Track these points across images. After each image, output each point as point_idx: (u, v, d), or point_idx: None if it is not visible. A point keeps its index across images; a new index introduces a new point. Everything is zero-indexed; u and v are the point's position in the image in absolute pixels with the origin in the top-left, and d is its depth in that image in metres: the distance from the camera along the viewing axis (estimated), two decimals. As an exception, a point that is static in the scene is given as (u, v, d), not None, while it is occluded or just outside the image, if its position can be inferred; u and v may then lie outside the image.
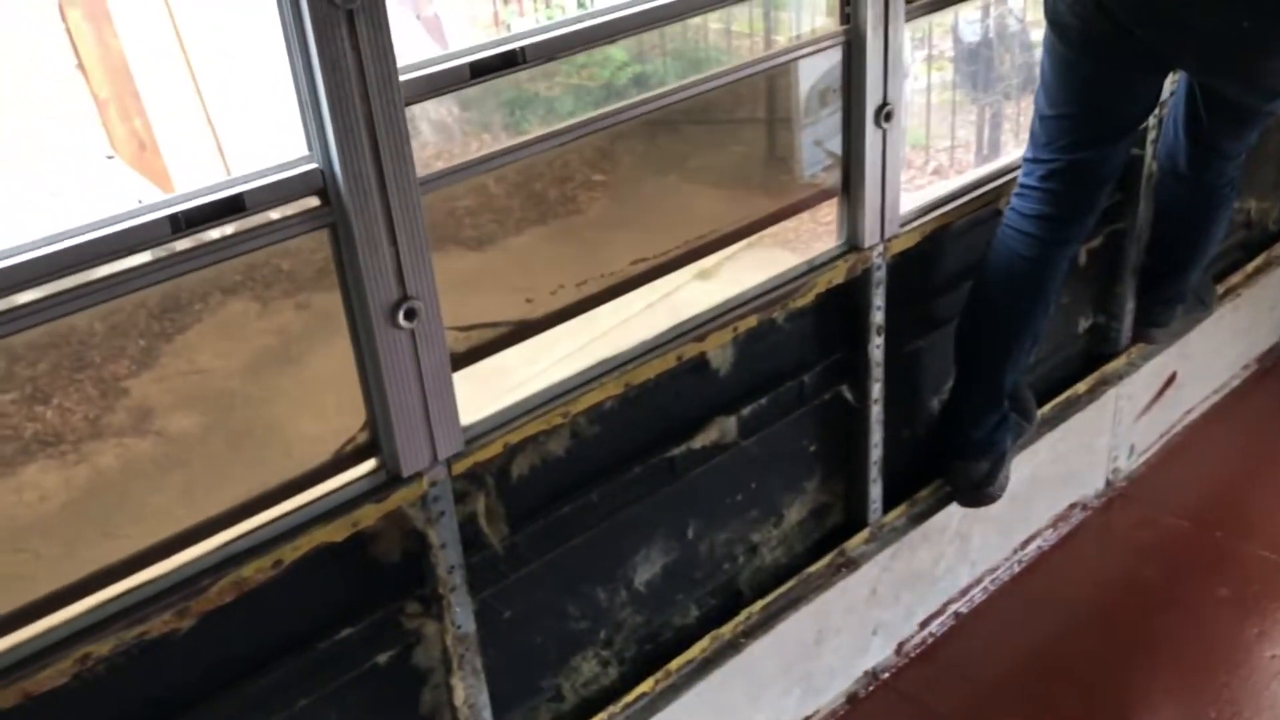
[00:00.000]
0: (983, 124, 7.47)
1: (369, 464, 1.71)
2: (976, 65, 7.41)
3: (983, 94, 7.44)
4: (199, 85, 7.59)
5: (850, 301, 2.32)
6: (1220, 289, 3.22)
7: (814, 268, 2.23)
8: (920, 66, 7.71)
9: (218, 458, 1.61)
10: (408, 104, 1.55)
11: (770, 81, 2.14)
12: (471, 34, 9.00)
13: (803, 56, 2.11)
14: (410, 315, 1.61)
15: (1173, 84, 2.59)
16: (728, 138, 2.21)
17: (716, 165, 2.21)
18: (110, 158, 7.33)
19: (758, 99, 2.19)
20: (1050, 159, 2.35)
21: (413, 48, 8.61)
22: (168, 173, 7.60)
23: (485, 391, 1.91)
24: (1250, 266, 3.37)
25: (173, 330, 1.53)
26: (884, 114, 2.16)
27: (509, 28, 8.98)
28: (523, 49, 1.67)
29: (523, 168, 1.80)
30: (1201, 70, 2.36)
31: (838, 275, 2.26)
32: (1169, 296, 2.92)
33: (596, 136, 1.87)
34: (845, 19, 2.09)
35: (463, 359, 1.76)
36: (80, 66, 7.22)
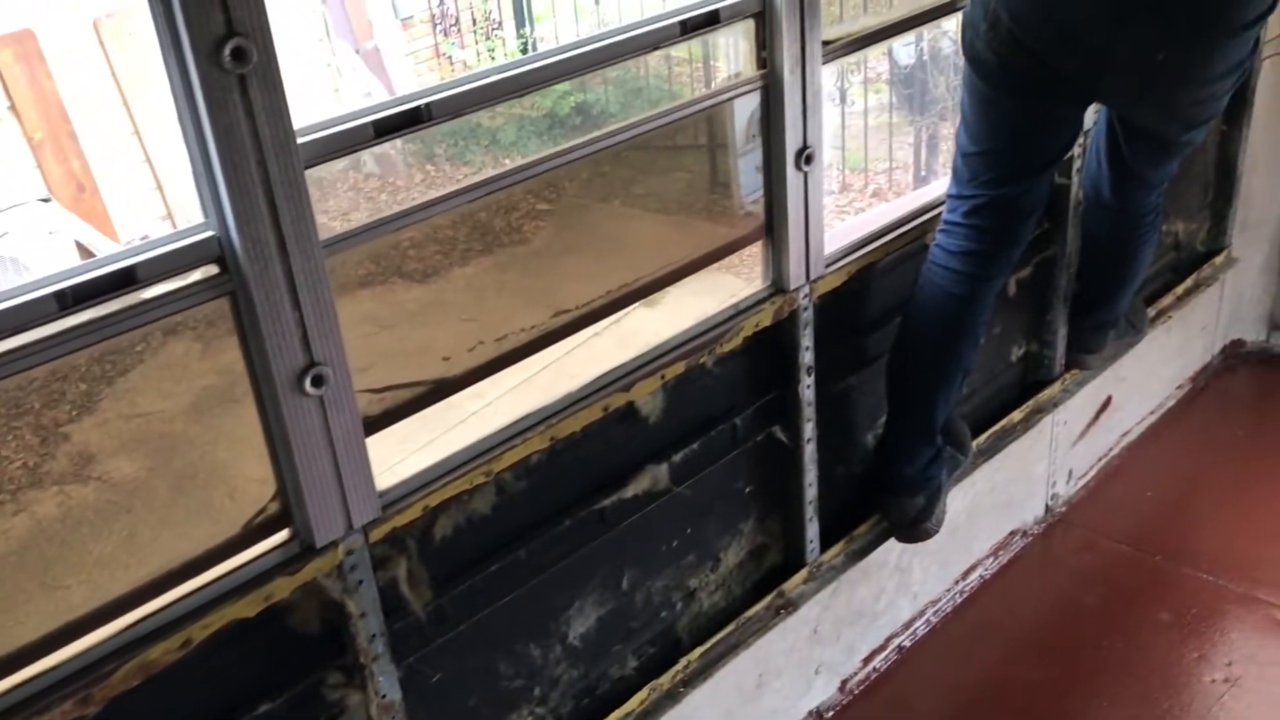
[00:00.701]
0: (920, 145, 7.55)
1: (281, 535, 1.66)
2: (913, 88, 7.50)
3: (919, 116, 7.53)
4: (137, 124, 7.49)
5: (779, 343, 2.31)
6: (1151, 312, 3.24)
7: (740, 311, 2.22)
8: (857, 90, 7.80)
9: (161, 503, 1.57)
10: (308, 166, 1.51)
11: (709, 109, 2.13)
12: (411, 67, 8.97)
13: (721, 102, 2.10)
14: (318, 381, 1.57)
15: (1095, 114, 2.61)
16: (670, 163, 2.21)
17: (660, 191, 2.21)
18: (46, 200, 7.20)
19: (698, 125, 2.18)
20: (974, 195, 2.35)
21: (354, 83, 8.56)
22: (108, 214, 7.49)
23: (429, 428, 1.89)
24: (1180, 288, 3.40)
25: (114, 373, 1.49)
26: (804, 157, 2.15)
27: (450, 59, 8.95)
28: (428, 106, 1.64)
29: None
30: (1120, 103, 2.38)
31: (765, 318, 2.24)
32: (1100, 322, 2.93)
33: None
34: (763, 63, 2.08)
35: (377, 422, 1.72)
36: (13, 109, 7.09)
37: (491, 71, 1.72)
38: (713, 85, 2.24)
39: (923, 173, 7.19)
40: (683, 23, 1.93)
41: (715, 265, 2.32)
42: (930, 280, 2.42)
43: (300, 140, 1.48)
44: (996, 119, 2.29)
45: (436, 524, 1.84)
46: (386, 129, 1.60)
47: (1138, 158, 2.52)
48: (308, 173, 1.50)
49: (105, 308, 1.38)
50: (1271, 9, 2.08)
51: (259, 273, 1.47)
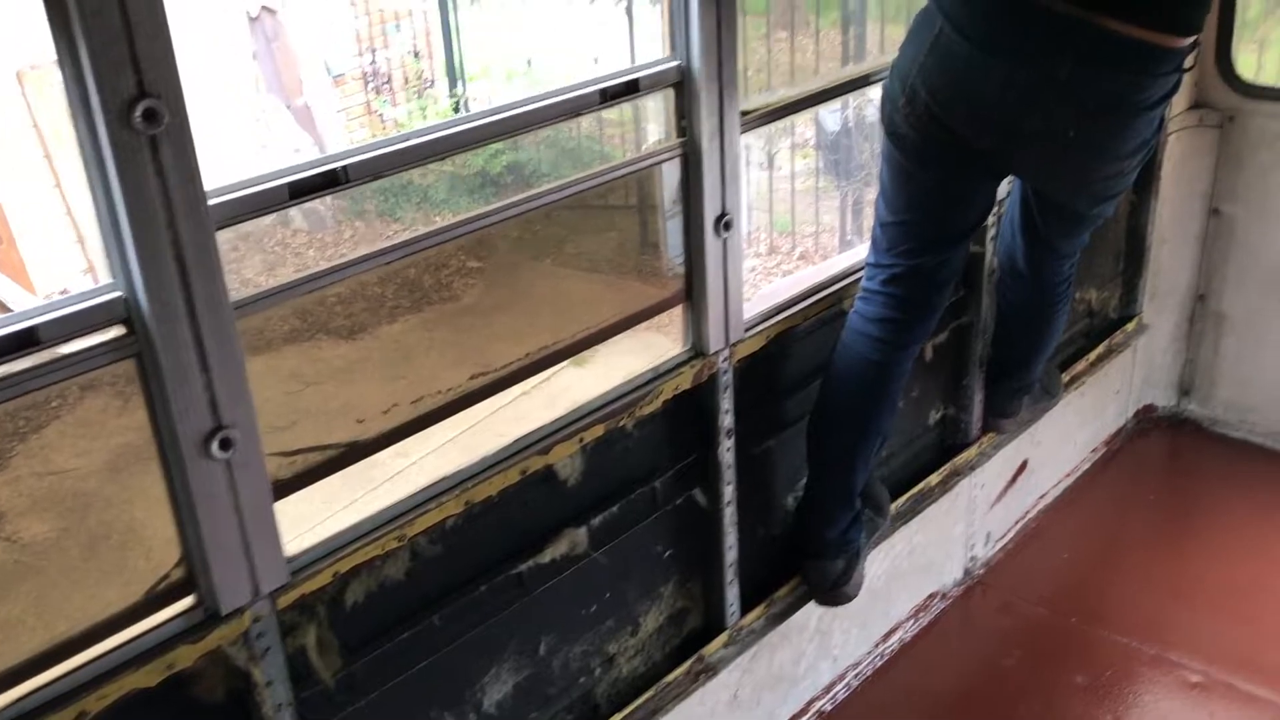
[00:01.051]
0: (845, 210, 7.70)
1: (186, 601, 1.61)
2: (839, 154, 7.66)
3: (845, 181, 7.69)
4: (59, 177, 7.37)
5: (699, 406, 2.32)
6: (1065, 377, 3.32)
7: (660, 374, 2.23)
8: (786, 155, 7.95)
9: (73, 564, 1.52)
10: (221, 227, 1.49)
11: (637, 173, 2.15)
12: (342, 124, 8.96)
13: (642, 169, 2.12)
14: (226, 445, 1.54)
15: (1009, 185, 2.69)
16: (602, 223, 2.23)
17: (591, 250, 2.23)
18: (-39, 254, 7.02)
19: (629, 186, 2.20)
20: (891, 264, 2.40)
21: (283, 138, 8.52)
22: (25, 267, 7.33)
23: (352, 486, 1.86)
24: (1093, 354, 3.48)
25: (27, 429, 1.46)
26: (723, 223, 2.18)
27: (381, 118, 8.96)
28: (345, 168, 1.64)
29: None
30: (1033, 177, 2.45)
31: (684, 381, 2.25)
32: (1016, 387, 2.99)
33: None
34: (682, 132, 2.11)
35: (288, 485, 1.69)
36: (-72, 162, 6.95)
37: (411, 135, 1.73)
38: (643, 147, 2.27)
39: (848, 236, 7.33)
40: (602, 91, 1.96)
41: (646, 325, 2.35)
42: (849, 346, 2.45)
43: (213, 202, 1.47)
44: (914, 191, 2.35)
45: (348, 590, 1.80)
46: (302, 191, 1.59)
47: (1050, 229, 2.60)
48: (226, 231, 1.49)
49: (6, 368, 1.34)
50: (1174, 90, 2.17)
51: (166, 335, 1.45)
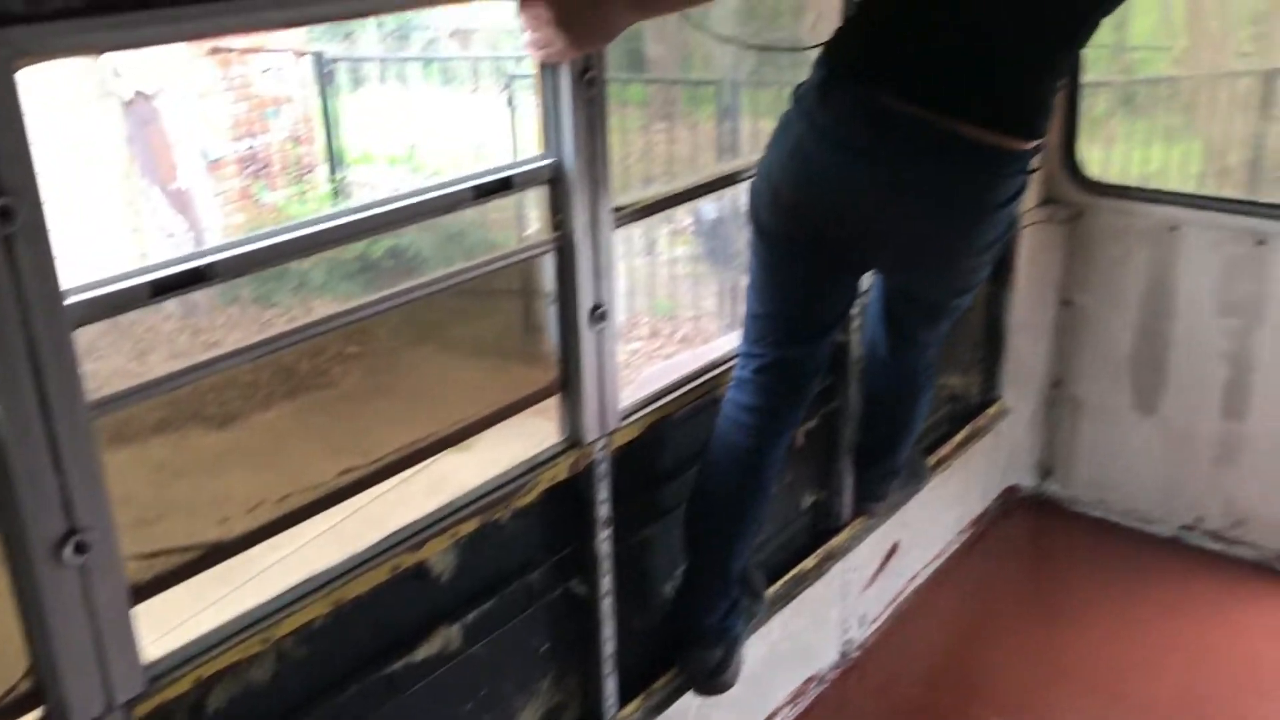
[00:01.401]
0: (725, 294, 7.87)
1: (34, 715, 1.54)
2: (716, 241, 7.85)
3: (723, 266, 7.87)
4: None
5: (575, 497, 2.32)
6: (932, 460, 3.42)
7: (535, 465, 2.23)
8: (665, 241, 8.11)
9: None
10: (79, 326, 1.46)
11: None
12: (219, 208, 8.82)
13: (517, 261, 2.15)
14: (80, 549, 1.49)
15: (871, 277, 2.79)
16: (486, 307, 2.23)
17: (474, 335, 2.23)
18: None
19: (512, 271, 2.21)
20: (762, 354, 2.46)
21: (158, 222, 8.34)
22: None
23: (223, 582, 1.80)
24: (958, 438, 3.60)
25: None
26: (598, 314, 2.21)
27: (257, 202, 8.85)
28: (212, 264, 1.62)
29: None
30: (892, 272, 2.56)
31: (560, 472, 2.26)
32: (884, 472, 3.07)
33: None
34: (557, 225, 2.15)
35: (147, 588, 1.64)
36: None
37: (281, 230, 1.72)
38: (525, 233, 2.29)
39: (727, 320, 7.49)
40: (476, 188, 1.98)
41: (532, 409, 2.35)
42: (724, 433, 2.50)
43: (70, 300, 1.44)
44: (781, 285, 2.43)
45: (210, 696, 1.74)
46: (165, 288, 1.57)
47: (911, 320, 2.70)
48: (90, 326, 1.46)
49: None
50: (1023, 190, 2.29)
51: (17, 437, 1.40)
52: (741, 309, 2.53)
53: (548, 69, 2.04)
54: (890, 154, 2.16)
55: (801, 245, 2.33)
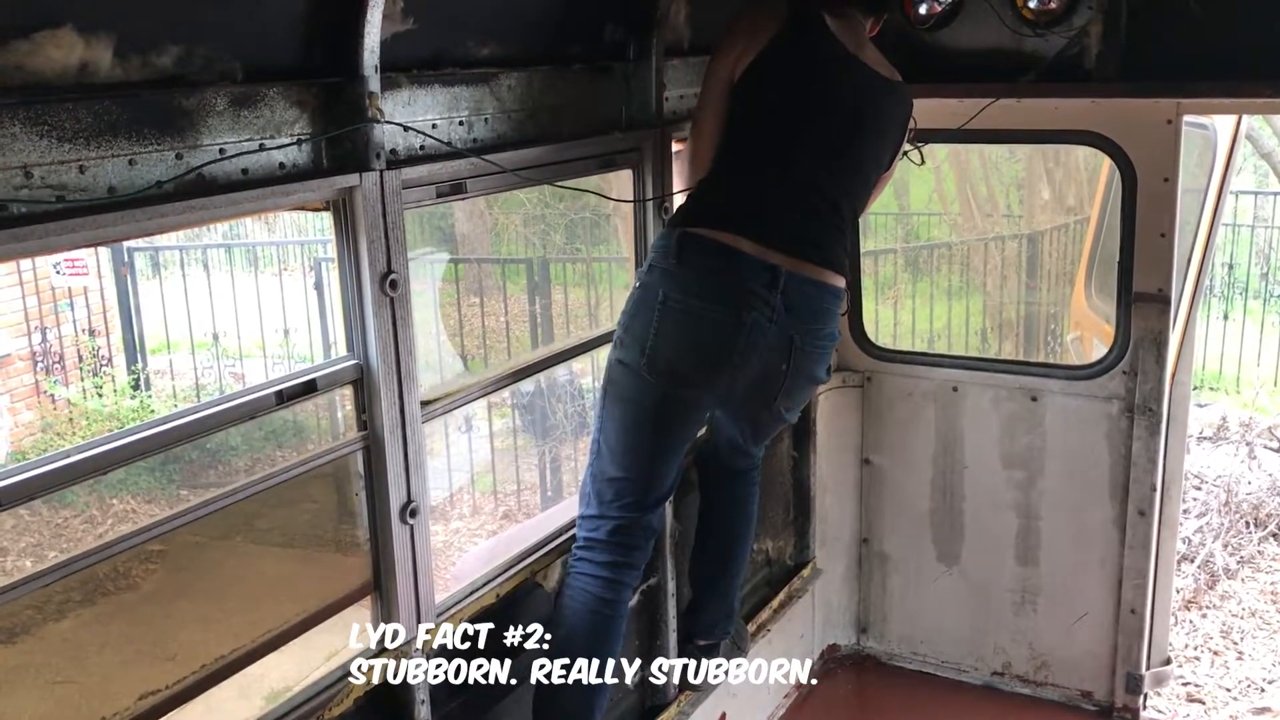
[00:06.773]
0: (544, 467, 7.88)
1: None
2: (534, 414, 7.90)
3: (542, 439, 7.90)
4: None
5: (393, 699, 2.26)
6: (752, 627, 3.48)
7: (347, 673, 2.16)
8: (482, 414, 8.10)
9: None
10: None
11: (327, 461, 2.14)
12: (7, 406, 8.37)
13: (325, 464, 2.13)
14: None
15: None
16: (297, 494, 2.17)
17: (285, 525, 2.17)
18: None
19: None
20: (617, 516, 2.61)
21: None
22: None
23: None
24: (775, 601, 3.69)
25: None
26: (409, 511, 2.21)
27: (52, 398, 8.44)
28: (-5, 492, 1.56)
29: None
30: (748, 404, 2.72)
31: (374, 676, 2.20)
32: (707, 645, 3.12)
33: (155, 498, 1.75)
34: (363, 425, 2.15)
35: None
36: None
37: (73, 451, 1.67)
38: (339, 413, 2.27)
39: (549, 492, 7.48)
40: (279, 393, 1.98)
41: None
42: (578, 595, 2.59)
43: None
44: (637, 446, 2.59)
45: None
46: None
47: (747, 439, 2.91)
48: None
49: None
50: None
51: None
52: (561, 479, 2.63)
53: (348, 270, 2.08)
54: (755, 294, 2.45)
55: (673, 402, 2.54)
